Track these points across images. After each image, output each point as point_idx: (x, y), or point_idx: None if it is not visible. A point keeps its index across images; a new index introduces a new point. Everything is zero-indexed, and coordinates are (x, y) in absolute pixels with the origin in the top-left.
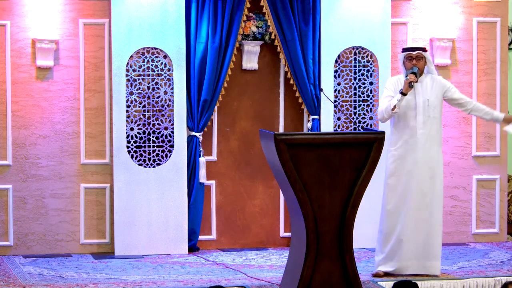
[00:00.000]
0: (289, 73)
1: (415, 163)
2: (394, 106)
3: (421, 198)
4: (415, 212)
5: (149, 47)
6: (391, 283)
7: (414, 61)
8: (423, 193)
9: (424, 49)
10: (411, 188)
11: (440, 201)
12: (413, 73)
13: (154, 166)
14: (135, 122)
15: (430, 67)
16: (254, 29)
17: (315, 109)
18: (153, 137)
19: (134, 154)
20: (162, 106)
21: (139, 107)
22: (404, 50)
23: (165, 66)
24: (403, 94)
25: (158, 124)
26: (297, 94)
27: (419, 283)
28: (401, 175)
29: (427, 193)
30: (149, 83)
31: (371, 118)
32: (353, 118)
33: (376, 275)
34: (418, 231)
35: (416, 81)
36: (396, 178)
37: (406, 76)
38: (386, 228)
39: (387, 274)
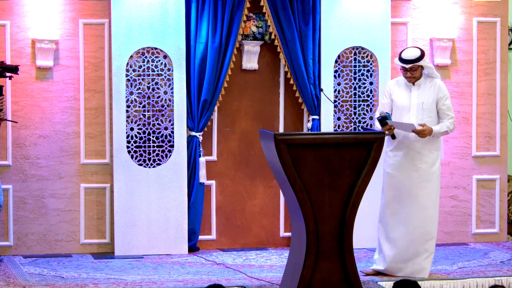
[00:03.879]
0: (289, 73)
1: (408, 165)
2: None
3: (415, 201)
4: (408, 215)
5: (149, 47)
6: (391, 283)
7: (408, 73)
8: (416, 196)
9: (419, 59)
10: (404, 190)
11: (434, 205)
12: (383, 124)
13: (154, 166)
14: (135, 122)
15: (429, 71)
16: (254, 29)
17: (315, 109)
18: (153, 137)
19: (134, 154)
20: (162, 106)
21: (139, 107)
22: (400, 59)
23: (165, 66)
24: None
25: (158, 124)
26: (297, 94)
27: (419, 283)
28: (395, 176)
29: (420, 196)
30: (149, 83)
31: (371, 118)
32: (353, 118)
33: (366, 272)
34: (409, 235)
35: (391, 132)
36: (391, 178)
37: (381, 124)
38: (382, 232)
39: (379, 273)
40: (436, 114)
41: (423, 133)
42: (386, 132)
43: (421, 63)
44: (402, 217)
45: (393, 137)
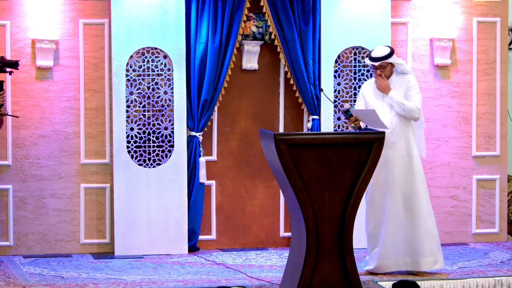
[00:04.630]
0: (289, 73)
1: (387, 161)
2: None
3: (399, 196)
4: (393, 209)
5: (149, 47)
6: (391, 283)
7: (378, 71)
8: (400, 190)
9: (387, 56)
10: (387, 186)
11: (423, 196)
12: (348, 116)
13: (154, 166)
14: (135, 122)
15: (401, 68)
16: (254, 29)
17: (315, 109)
18: (153, 137)
19: (134, 154)
20: (162, 106)
21: (139, 107)
22: (369, 58)
23: (165, 66)
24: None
25: (158, 124)
26: (297, 94)
27: (419, 283)
28: (376, 174)
29: (405, 190)
30: (149, 83)
31: None
32: None
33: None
34: (398, 229)
35: (357, 124)
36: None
37: (346, 117)
38: (369, 227)
39: (371, 273)
40: None
41: (380, 82)
42: (352, 125)
43: (390, 60)
44: (388, 213)
45: (360, 129)
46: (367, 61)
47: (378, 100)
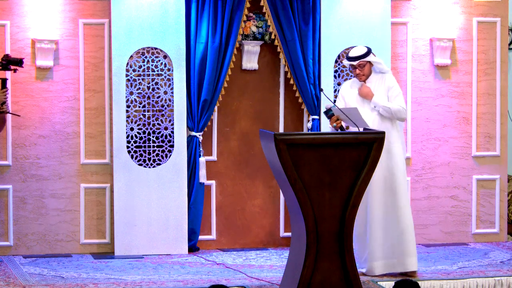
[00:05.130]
0: (289, 73)
1: None
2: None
3: (382, 197)
4: (375, 209)
5: (149, 47)
6: (391, 283)
7: (357, 70)
8: (384, 191)
9: (365, 55)
10: (370, 187)
11: (406, 198)
12: (329, 116)
13: (154, 166)
14: (135, 122)
15: (379, 66)
16: (254, 29)
17: (315, 109)
18: (153, 137)
19: (134, 154)
20: (162, 106)
21: (139, 107)
22: (347, 58)
23: (165, 66)
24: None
25: (158, 124)
26: (297, 94)
27: (419, 283)
28: None
29: (389, 190)
30: (149, 83)
31: None
32: None
33: None
34: (381, 229)
35: (338, 124)
36: None
37: (327, 116)
38: (356, 229)
39: (363, 274)
40: None
41: (362, 89)
42: (334, 124)
43: (368, 58)
44: (372, 215)
45: (342, 129)
46: (345, 62)
47: (358, 100)
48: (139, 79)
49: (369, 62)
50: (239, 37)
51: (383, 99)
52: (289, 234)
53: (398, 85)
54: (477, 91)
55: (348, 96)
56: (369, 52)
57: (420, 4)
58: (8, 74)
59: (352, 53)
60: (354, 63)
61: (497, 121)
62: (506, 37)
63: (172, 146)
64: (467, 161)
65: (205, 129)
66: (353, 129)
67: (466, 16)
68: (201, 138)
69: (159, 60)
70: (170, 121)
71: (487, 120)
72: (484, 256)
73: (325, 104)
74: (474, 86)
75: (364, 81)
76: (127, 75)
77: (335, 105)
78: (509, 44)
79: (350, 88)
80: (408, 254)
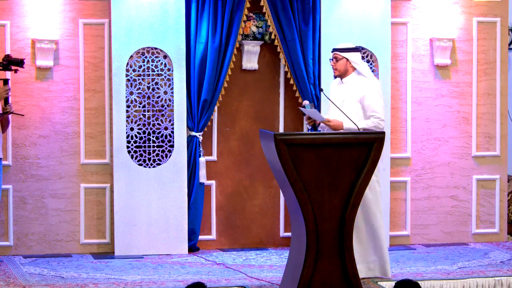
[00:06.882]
0: (289, 73)
1: None
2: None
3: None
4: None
5: (149, 47)
6: (391, 283)
7: (332, 62)
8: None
9: (344, 50)
10: None
11: (375, 203)
12: (303, 115)
13: (154, 166)
14: (135, 122)
15: (359, 69)
16: (254, 29)
17: (315, 109)
18: (153, 137)
19: (134, 154)
20: (162, 106)
21: (139, 107)
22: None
23: (165, 66)
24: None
25: (158, 124)
26: (297, 94)
27: (419, 283)
28: None
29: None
30: (149, 83)
31: None
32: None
33: None
34: (357, 232)
35: (313, 122)
36: None
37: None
38: None
39: None
40: (359, 110)
41: (329, 125)
42: (307, 121)
43: (344, 54)
44: None
45: (315, 128)
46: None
47: (338, 98)
48: (139, 79)
49: (347, 59)
50: (239, 37)
51: (356, 121)
52: (289, 234)
53: (377, 92)
54: (477, 91)
55: (333, 93)
56: (352, 49)
57: (420, 4)
58: (8, 75)
59: (336, 46)
60: (331, 53)
61: (497, 121)
62: (506, 37)
63: (172, 146)
64: (467, 161)
65: (205, 129)
66: (323, 125)
67: (466, 16)
68: (201, 138)
69: (159, 60)
70: (170, 121)
71: (487, 120)
72: (484, 256)
73: (325, 104)
74: (474, 86)
75: (339, 77)
76: (127, 75)
77: (304, 105)
78: (509, 44)
79: (337, 85)
80: (386, 260)
